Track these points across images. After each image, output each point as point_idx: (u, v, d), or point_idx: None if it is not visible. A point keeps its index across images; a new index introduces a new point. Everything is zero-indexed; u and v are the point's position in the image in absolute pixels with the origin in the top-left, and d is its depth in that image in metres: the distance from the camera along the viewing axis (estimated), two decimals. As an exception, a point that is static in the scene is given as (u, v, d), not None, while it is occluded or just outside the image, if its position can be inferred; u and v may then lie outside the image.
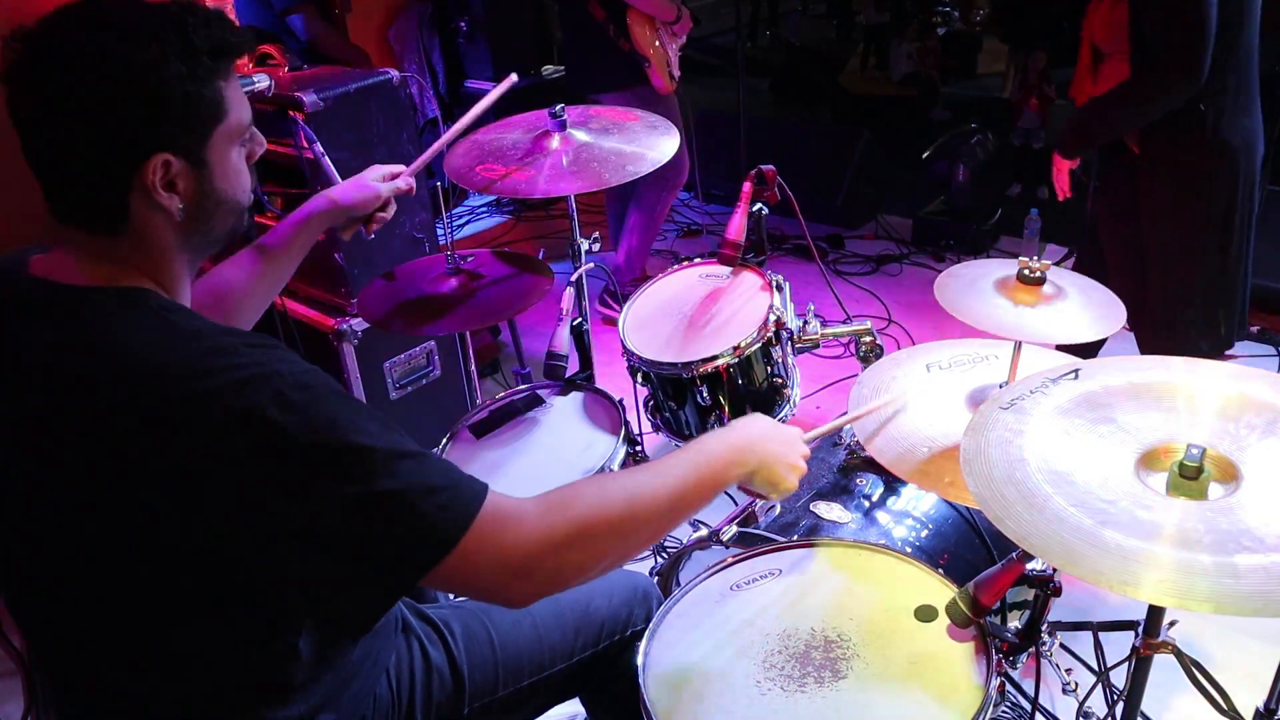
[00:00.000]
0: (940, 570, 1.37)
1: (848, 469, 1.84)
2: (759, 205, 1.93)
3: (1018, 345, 1.49)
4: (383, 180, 1.67)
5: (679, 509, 1.17)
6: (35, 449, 0.99)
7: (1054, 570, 1.27)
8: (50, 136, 0.98)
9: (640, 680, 1.26)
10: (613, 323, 2.08)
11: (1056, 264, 1.56)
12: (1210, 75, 2.20)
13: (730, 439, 1.26)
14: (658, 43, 3.46)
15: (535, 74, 5.13)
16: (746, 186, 1.91)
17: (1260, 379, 1.14)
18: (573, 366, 2.00)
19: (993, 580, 1.24)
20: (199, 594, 0.99)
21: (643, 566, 2.34)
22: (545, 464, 1.80)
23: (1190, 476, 1.02)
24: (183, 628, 1.02)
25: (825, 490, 1.79)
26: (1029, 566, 1.25)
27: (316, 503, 0.94)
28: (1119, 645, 1.38)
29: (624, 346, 1.87)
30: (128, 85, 0.96)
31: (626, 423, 1.84)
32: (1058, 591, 1.29)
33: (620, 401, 1.91)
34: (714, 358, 1.76)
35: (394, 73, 2.52)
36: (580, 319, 2.05)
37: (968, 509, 1.78)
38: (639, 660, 1.28)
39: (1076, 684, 1.59)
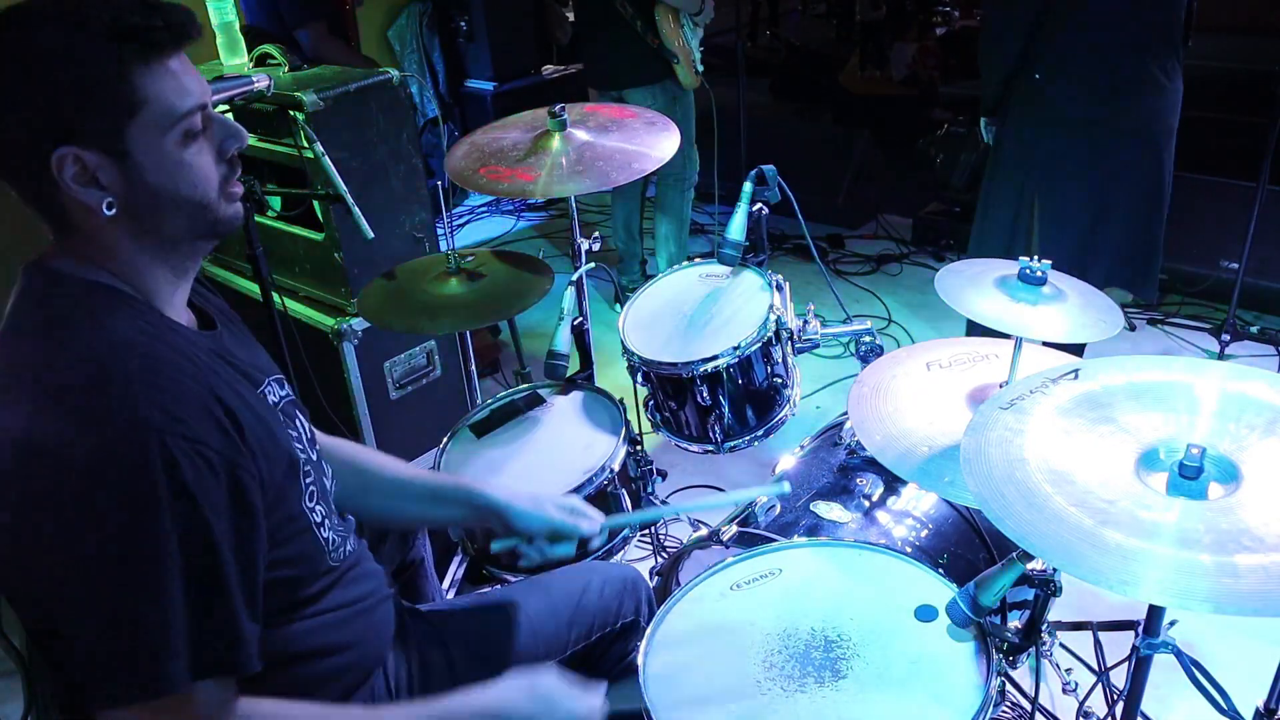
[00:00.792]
0: (940, 570, 1.37)
1: (848, 469, 1.84)
2: (759, 205, 1.93)
3: (1018, 343, 1.49)
4: (570, 513, 1.43)
5: None
6: None
7: (1054, 570, 1.27)
8: None
9: (640, 680, 1.26)
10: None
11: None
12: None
13: (476, 697, 1.17)
14: (682, 39, 3.47)
15: (535, 73, 5.14)
16: (746, 186, 1.91)
17: (1260, 379, 1.14)
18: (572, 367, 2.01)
19: (993, 580, 1.24)
20: None
21: (643, 567, 2.35)
22: (545, 464, 1.80)
23: (1190, 476, 1.02)
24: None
25: (825, 490, 1.79)
26: (1029, 566, 1.25)
27: (83, 559, 0.93)
28: (1119, 645, 1.38)
29: (624, 346, 1.87)
30: (16, 75, 0.94)
31: (627, 422, 1.84)
32: (1058, 591, 1.29)
33: (620, 401, 1.91)
34: (714, 358, 1.76)
35: (394, 73, 2.52)
36: (581, 318, 2.05)
37: (968, 509, 1.78)
38: (639, 659, 1.28)
39: (1076, 684, 1.59)
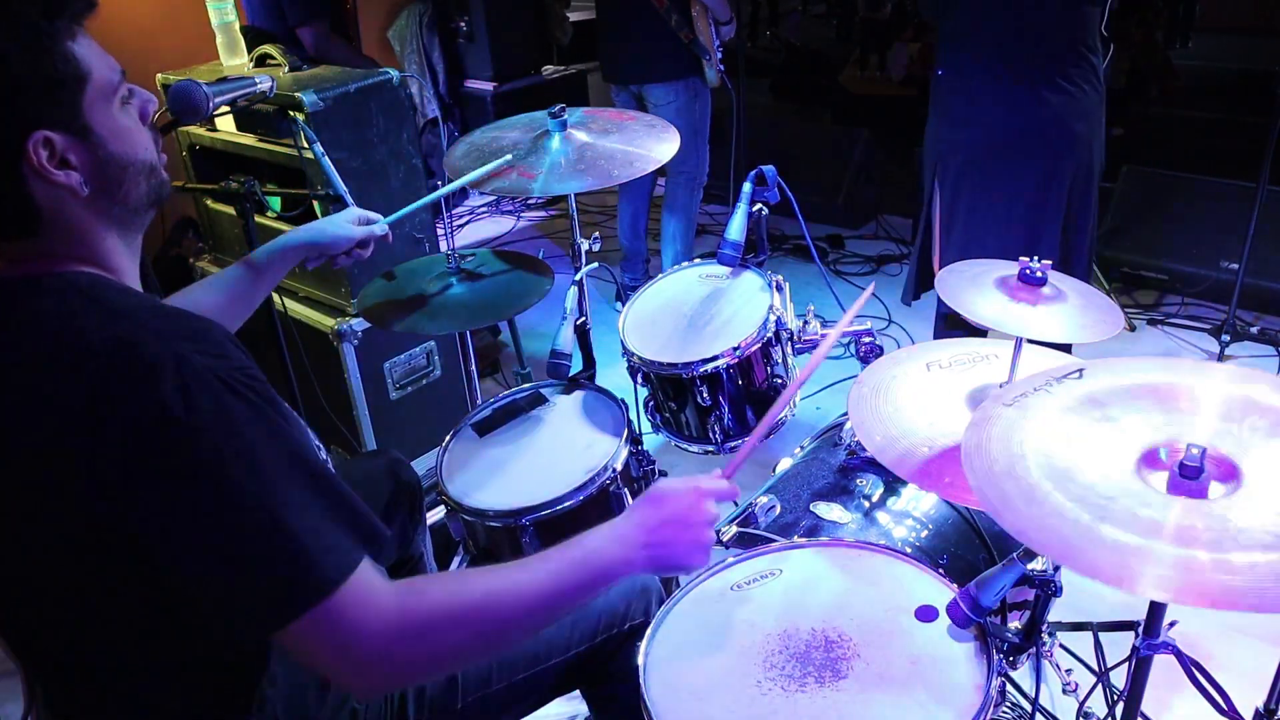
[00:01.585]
0: (940, 570, 1.37)
1: (848, 469, 1.84)
2: (759, 205, 1.93)
3: (1018, 344, 1.49)
4: (356, 223, 1.75)
5: (552, 608, 1.11)
6: None
7: (1054, 571, 1.27)
8: None
9: (640, 680, 1.26)
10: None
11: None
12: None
13: (622, 533, 1.17)
14: (710, 35, 3.47)
15: (535, 73, 5.14)
16: (746, 187, 1.91)
17: (1261, 380, 1.14)
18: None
19: (993, 580, 1.24)
20: (135, 602, 0.99)
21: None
22: (547, 463, 1.80)
23: (1191, 476, 1.02)
24: (140, 634, 1.01)
25: (825, 490, 1.79)
26: (1030, 566, 1.25)
27: (195, 507, 0.92)
28: (1119, 645, 1.38)
29: (624, 347, 1.87)
30: None
31: (629, 422, 1.84)
32: (1058, 592, 1.29)
33: (623, 401, 1.91)
34: (714, 358, 1.76)
35: (394, 73, 2.52)
36: (583, 318, 2.05)
37: (968, 509, 1.78)
38: (639, 660, 1.28)
39: (1076, 684, 1.59)
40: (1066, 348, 2.50)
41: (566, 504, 1.68)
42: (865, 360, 1.90)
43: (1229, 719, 1.21)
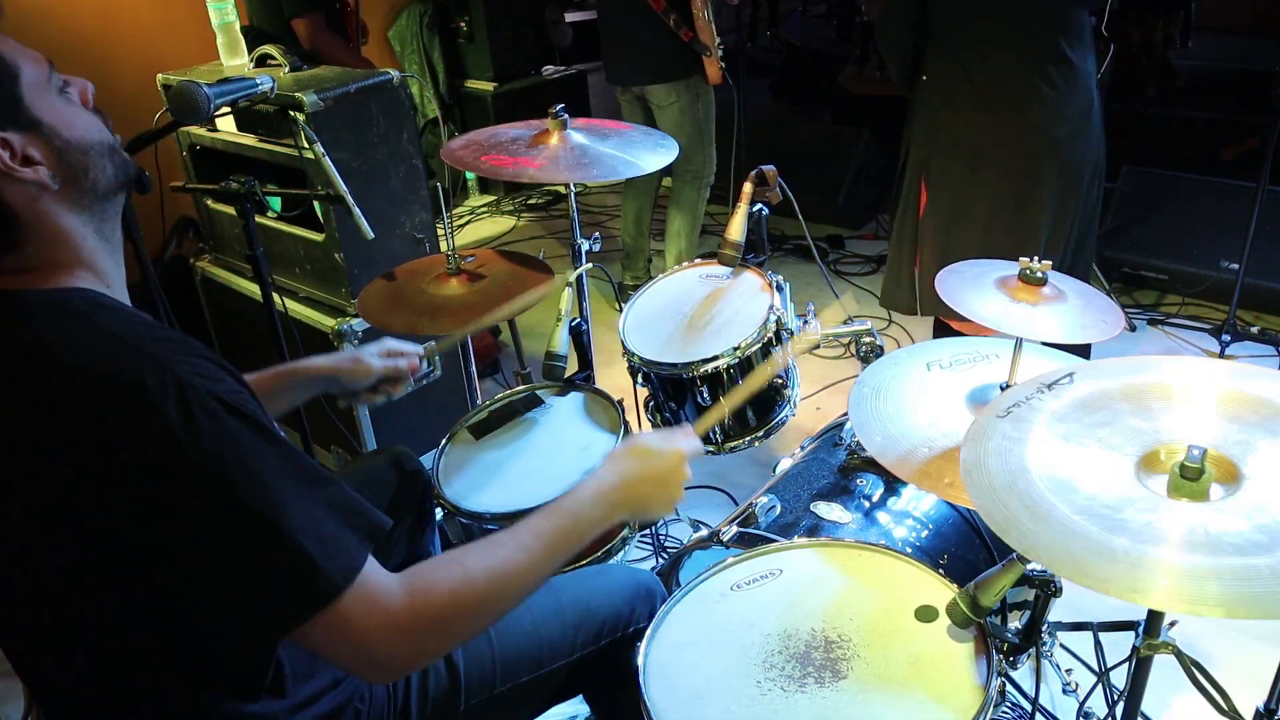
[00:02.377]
0: (940, 570, 1.37)
1: (848, 469, 1.84)
2: (759, 205, 1.93)
3: (1018, 344, 1.49)
4: (382, 355, 1.66)
5: (547, 578, 1.17)
6: None
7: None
8: None
9: (640, 680, 1.26)
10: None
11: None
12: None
13: (605, 492, 1.25)
14: (712, 30, 3.45)
15: (535, 74, 5.14)
16: (746, 186, 1.91)
17: (1258, 378, 1.14)
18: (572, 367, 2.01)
19: (993, 580, 1.24)
20: (135, 604, 0.99)
21: (643, 567, 2.35)
22: (544, 465, 1.80)
23: (1191, 478, 1.02)
24: (140, 631, 1.02)
25: (825, 490, 1.79)
26: (1029, 567, 1.25)
27: (204, 523, 0.94)
28: (1119, 645, 1.38)
29: (624, 347, 1.87)
30: None
31: (626, 423, 1.84)
32: (1058, 592, 1.29)
33: (620, 402, 1.91)
34: (714, 358, 1.76)
35: (394, 73, 2.52)
36: (579, 319, 2.05)
37: (968, 509, 1.78)
38: (639, 660, 1.28)
39: (1076, 684, 1.59)
40: (1085, 350, 2.51)
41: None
42: (865, 360, 1.90)
43: (1229, 719, 1.21)
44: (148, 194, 1.22)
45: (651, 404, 1.98)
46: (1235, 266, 3.29)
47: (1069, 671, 1.61)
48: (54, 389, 0.94)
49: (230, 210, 2.35)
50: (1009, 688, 1.59)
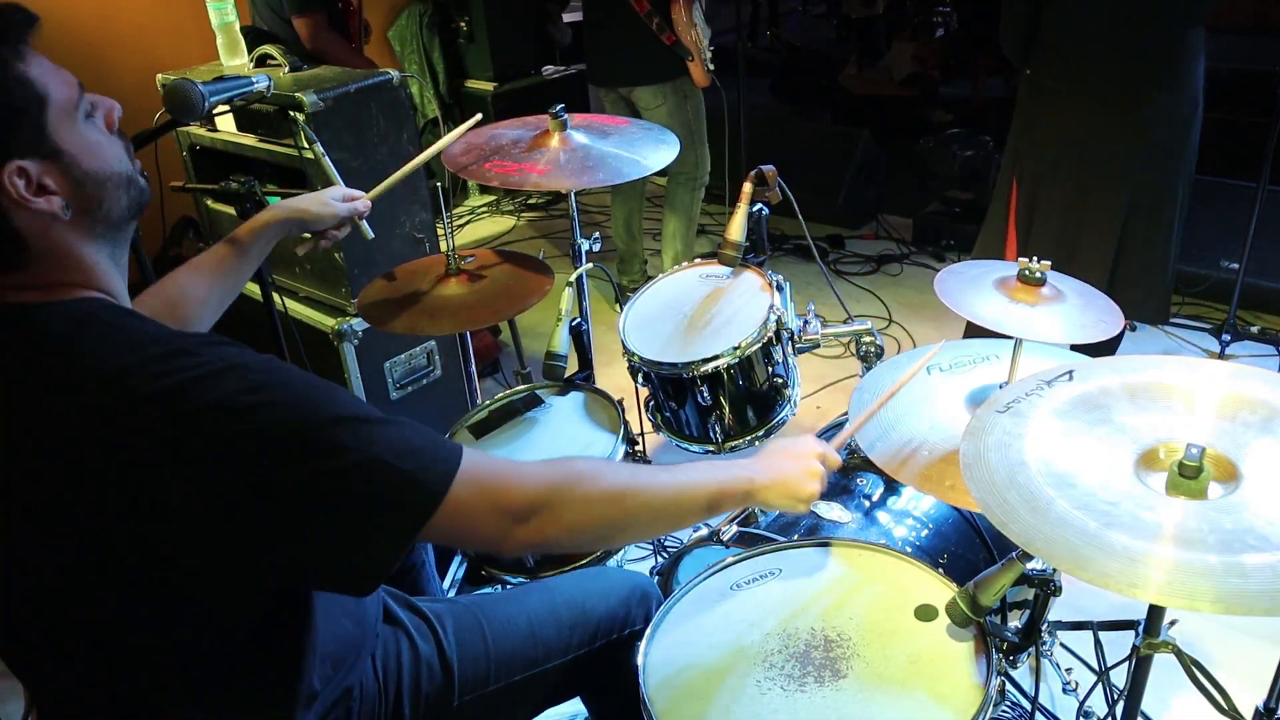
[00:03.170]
0: (940, 569, 1.37)
1: (848, 469, 1.84)
2: (759, 205, 1.93)
3: (1018, 344, 1.49)
4: (342, 201, 1.73)
5: (679, 508, 1.19)
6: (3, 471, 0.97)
7: (1054, 570, 1.27)
8: None
9: (640, 680, 1.26)
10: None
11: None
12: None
13: (744, 460, 1.30)
14: (695, 34, 3.45)
15: (535, 73, 5.14)
16: (746, 186, 1.91)
17: (1257, 377, 1.14)
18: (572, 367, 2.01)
19: (992, 580, 1.24)
20: (171, 598, 0.98)
21: (643, 567, 2.35)
22: (545, 464, 1.80)
23: (1190, 476, 1.02)
24: (172, 631, 1.01)
25: (825, 490, 1.78)
26: (1029, 566, 1.25)
27: (299, 479, 0.94)
28: (1119, 645, 1.38)
29: (624, 347, 1.87)
30: None
31: (625, 422, 1.84)
32: (1058, 591, 1.29)
33: (620, 401, 1.91)
34: (714, 358, 1.76)
35: (394, 73, 2.52)
36: (579, 319, 2.05)
37: (968, 509, 1.78)
38: (639, 660, 1.28)
39: (1076, 684, 1.59)
40: (1112, 347, 2.54)
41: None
42: (866, 360, 1.90)
43: (1229, 719, 1.21)
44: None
45: (651, 404, 1.99)
46: (1235, 266, 3.29)
47: (1069, 671, 1.62)
48: (99, 393, 0.93)
49: (230, 210, 2.34)
50: (1009, 687, 1.60)
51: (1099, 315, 1.45)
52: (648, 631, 1.33)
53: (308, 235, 1.74)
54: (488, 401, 1.99)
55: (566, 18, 5.47)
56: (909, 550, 1.51)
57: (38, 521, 0.96)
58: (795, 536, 1.59)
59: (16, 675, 1.11)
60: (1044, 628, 1.35)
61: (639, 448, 1.88)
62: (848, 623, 1.31)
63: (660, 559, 2.34)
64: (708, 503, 1.21)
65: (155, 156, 1.75)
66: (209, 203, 2.91)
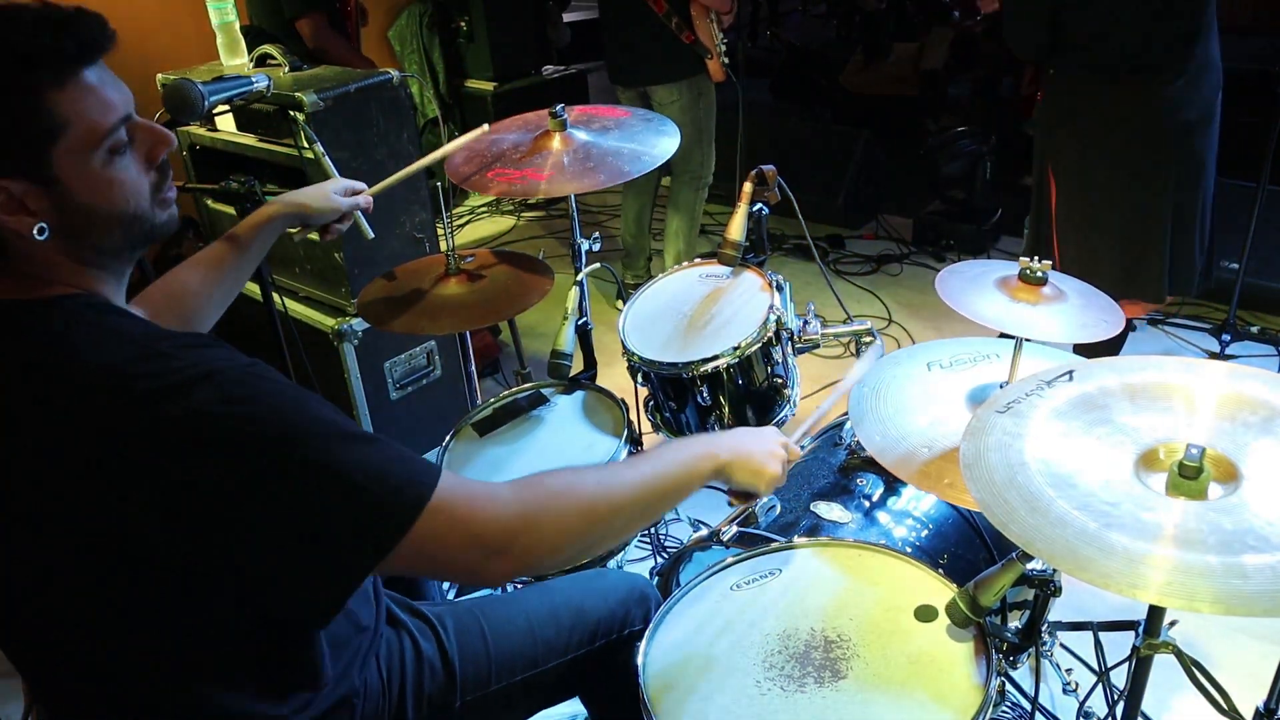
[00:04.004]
0: (940, 570, 1.37)
1: (848, 469, 1.84)
2: (759, 205, 1.92)
3: (1019, 344, 1.49)
4: (344, 194, 1.73)
5: (652, 499, 1.19)
6: None
7: (1054, 570, 1.27)
8: None
9: (640, 680, 1.26)
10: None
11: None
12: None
13: (703, 437, 1.33)
14: (712, 32, 3.48)
15: (535, 73, 5.14)
16: (746, 186, 1.91)
17: (1257, 378, 1.14)
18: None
19: (992, 580, 1.24)
20: (164, 598, 0.98)
21: (643, 567, 2.35)
22: (548, 462, 1.80)
23: (1190, 476, 1.02)
24: (161, 631, 1.01)
25: (825, 490, 1.79)
26: (1029, 566, 1.25)
27: (268, 491, 0.93)
28: (1119, 645, 1.38)
29: (624, 347, 1.87)
30: None
31: (630, 422, 1.84)
32: (1058, 591, 1.29)
33: (623, 401, 1.91)
34: (714, 358, 1.75)
35: (394, 73, 2.52)
36: (584, 318, 2.05)
37: (968, 509, 1.78)
38: (638, 660, 1.28)
39: (1076, 684, 1.59)
40: (1117, 345, 2.61)
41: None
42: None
43: (1229, 719, 1.21)
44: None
45: (651, 404, 1.98)
46: (1235, 266, 3.29)
47: (1069, 671, 1.62)
48: (73, 389, 0.93)
49: (230, 210, 2.34)
50: (1009, 687, 1.60)
51: (1100, 314, 1.45)
52: (648, 631, 1.33)
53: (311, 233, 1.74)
54: (492, 399, 1.99)
55: (566, 17, 5.48)
56: (909, 550, 1.51)
57: (24, 519, 0.97)
58: (795, 537, 1.59)
59: (20, 672, 1.11)
60: (1044, 628, 1.35)
61: (641, 448, 1.88)
62: (848, 623, 1.30)
63: (660, 559, 2.34)
64: (677, 487, 1.21)
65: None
66: (209, 203, 2.92)
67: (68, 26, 0.95)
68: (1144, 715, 1.45)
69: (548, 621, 1.42)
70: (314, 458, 0.94)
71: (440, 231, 2.57)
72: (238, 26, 2.72)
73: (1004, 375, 1.54)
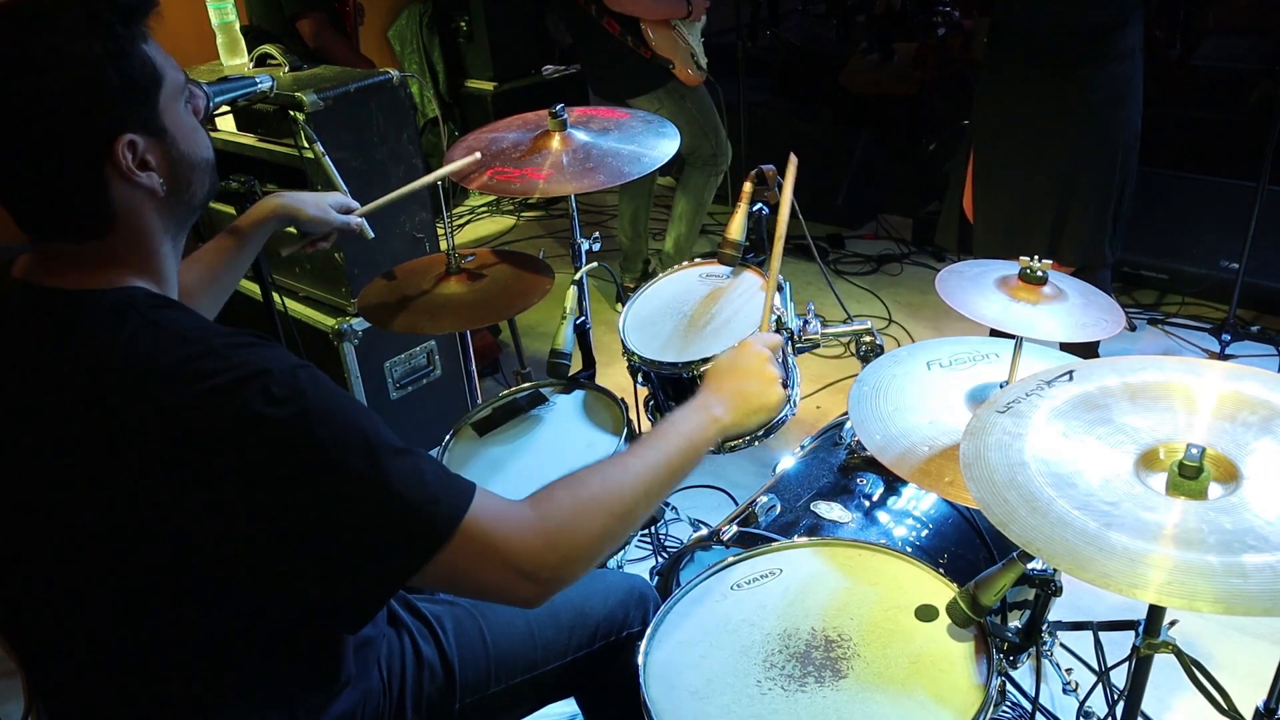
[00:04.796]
0: (940, 569, 1.37)
1: (848, 468, 1.84)
2: (759, 205, 1.92)
3: (1019, 343, 1.49)
4: (338, 211, 1.73)
5: (664, 481, 1.19)
6: (26, 457, 0.98)
7: (1054, 570, 1.27)
8: (4, 165, 0.96)
9: (640, 680, 1.26)
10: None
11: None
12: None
13: (700, 402, 1.29)
14: (677, 39, 3.49)
15: (535, 73, 5.14)
16: (746, 186, 1.91)
17: (1256, 377, 1.14)
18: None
19: (993, 580, 1.24)
20: (198, 596, 0.99)
21: (643, 567, 2.35)
22: (548, 462, 1.80)
23: (1190, 476, 1.02)
24: (190, 627, 1.01)
25: (825, 490, 1.79)
26: (1029, 566, 1.25)
27: (309, 495, 0.93)
28: (1119, 645, 1.38)
29: (624, 346, 1.87)
30: (59, 82, 0.93)
31: (629, 421, 1.84)
32: (1058, 591, 1.29)
33: (622, 401, 1.91)
34: (714, 358, 1.75)
35: (394, 72, 2.52)
36: (583, 318, 2.05)
37: (968, 508, 1.78)
38: (638, 660, 1.28)
39: (1077, 684, 1.59)
40: (1094, 349, 2.73)
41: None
42: (865, 360, 1.89)
43: (1229, 719, 1.21)
44: None
45: (651, 403, 1.98)
46: (1235, 266, 3.29)
47: (1069, 671, 1.62)
48: (128, 386, 0.94)
49: (230, 210, 2.33)
50: (1009, 687, 1.60)
51: (1100, 314, 1.45)
52: (648, 632, 1.33)
53: (293, 230, 1.73)
54: (492, 399, 1.99)
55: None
56: (909, 550, 1.51)
57: (65, 511, 0.97)
58: (795, 536, 1.59)
59: (26, 670, 1.11)
60: (1044, 628, 1.35)
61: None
62: (848, 623, 1.31)
63: (660, 559, 2.34)
64: (684, 464, 1.22)
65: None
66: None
67: None
68: (1144, 715, 1.45)
69: (547, 622, 1.42)
70: (356, 465, 0.94)
71: (440, 231, 2.57)
72: (238, 26, 2.72)
73: (1004, 375, 1.54)
